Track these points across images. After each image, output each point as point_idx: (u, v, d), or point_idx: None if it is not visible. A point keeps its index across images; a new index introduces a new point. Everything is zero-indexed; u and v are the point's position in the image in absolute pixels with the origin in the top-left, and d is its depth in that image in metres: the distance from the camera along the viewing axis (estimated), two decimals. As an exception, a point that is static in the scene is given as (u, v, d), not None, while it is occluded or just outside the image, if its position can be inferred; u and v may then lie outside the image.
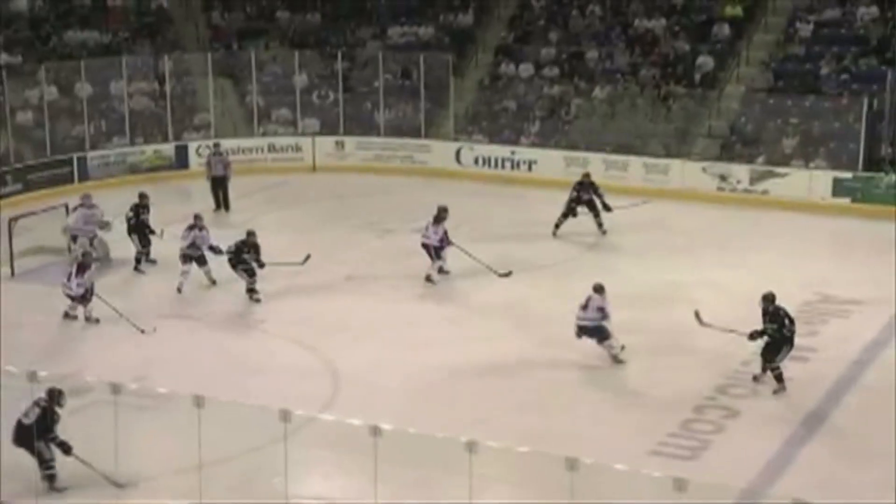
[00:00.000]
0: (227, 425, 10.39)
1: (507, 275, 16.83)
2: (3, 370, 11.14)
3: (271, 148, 24.08)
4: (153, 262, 17.35)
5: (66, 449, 10.66)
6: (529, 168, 23.05)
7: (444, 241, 16.82)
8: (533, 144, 23.51)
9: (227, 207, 20.69)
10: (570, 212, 18.91)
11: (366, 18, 26.57)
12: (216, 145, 21.71)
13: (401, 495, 10.02)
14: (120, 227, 17.66)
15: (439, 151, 23.75)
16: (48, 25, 24.71)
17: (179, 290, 16.20)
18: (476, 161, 23.49)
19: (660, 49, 24.16)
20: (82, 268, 15.08)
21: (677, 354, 13.96)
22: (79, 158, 22.37)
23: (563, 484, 8.52)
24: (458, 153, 23.65)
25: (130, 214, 17.53)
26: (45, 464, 10.65)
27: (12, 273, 16.86)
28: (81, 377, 12.24)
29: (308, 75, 25.01)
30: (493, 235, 18.82)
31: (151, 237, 17.38)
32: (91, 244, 17.14)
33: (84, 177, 22.30)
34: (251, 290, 15.96)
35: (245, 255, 15.98)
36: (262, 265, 15.97)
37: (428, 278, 16.65)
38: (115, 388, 10.19)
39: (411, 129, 24.29)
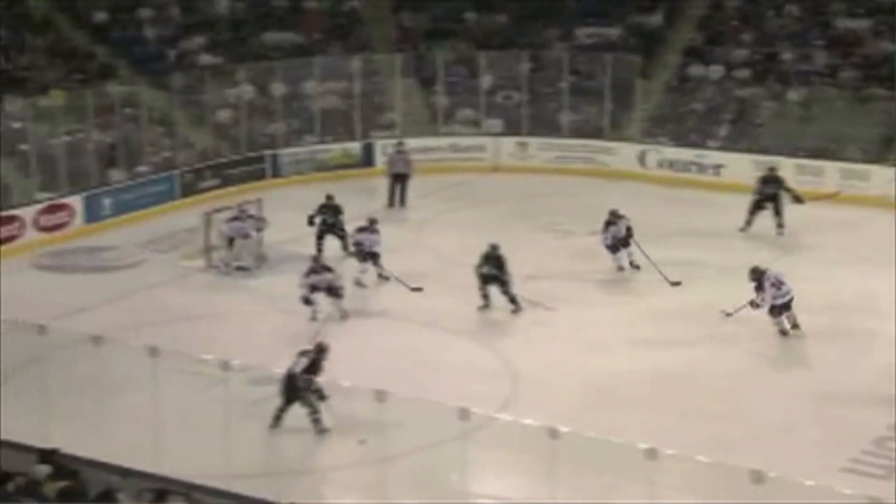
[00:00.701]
0: (407, 421, 10.52)
1: (678, 284, 16.45)
2: (197, 359, 11.64)
3: (454, 148, 24.28)
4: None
5: (321, 396, 11.71)
6: (717, 172, 22.44)
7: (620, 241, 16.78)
8: (721, 148, 22.89)
9: (402, 203, 21.02)
10: (756, 208, 18.49)
11: (553, 19, 26.47)
12: (399, 143, 22.08)
13: (578, 499, 9.91)
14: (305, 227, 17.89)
15: (623, 153, 23.42)
16: (247, 27, 25.69)
17: (360, 284, 16.55)
18: (660, 164, 23.05)
19: (862, 50, 23.16)
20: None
21: (872, 367, 13.31)
22: (272, 155, 23.16)
23: (748, 497, 8.23)
24: (642, 155, 23.26)
25: (319, 219, 17.80)
26: (312, 409, 11.71)
27: (208, 264, 17.59)
28: (268, 368, 12.63)
29: (493, 76, 25.13)
30: (674, 239, 18.43)
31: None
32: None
33: (276, 173, 23.06)
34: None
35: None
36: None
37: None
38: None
39: (595, 131, 24.06)
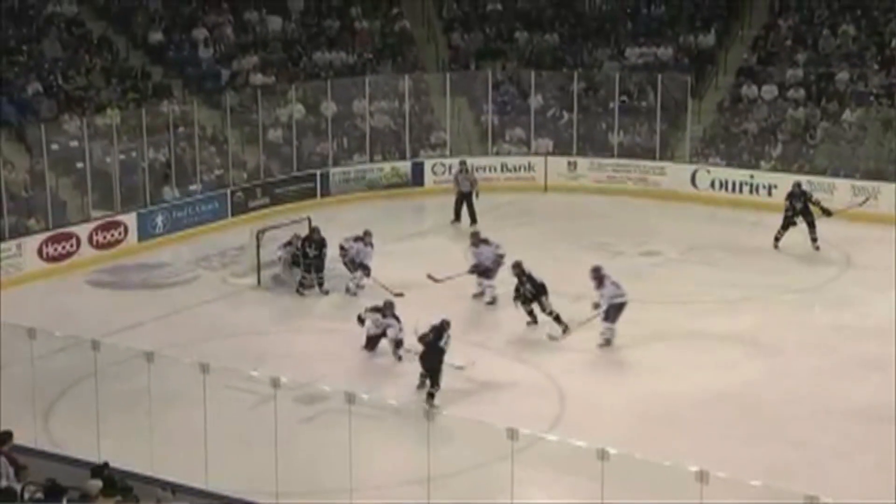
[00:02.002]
0: (455, 440, 10.49)
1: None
2: (247, 375, 11.71)
3: (504, 167, 24.29)
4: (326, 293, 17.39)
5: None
6: (769, 193, 22.18)
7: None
8: (774, 169, 22.67)
9: (473, 220, 20.98)
10: (788, 223, 18.40)
11: (604, 39, 26.45)
12: (462, 163, 22.12)
13: (627, 522, 9.82)
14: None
15: (674, 174, 23.27)
16: (299, 47, 25.93)
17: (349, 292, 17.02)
18: (712, 184, 22.85)
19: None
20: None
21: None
22: (322, 174, 23.32)
23: (802, 523, 8.11)
24: (693, 176, 23.09)
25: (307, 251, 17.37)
26: (434, 379, 12.93)
27: (258, 282, 17.73)
28: (318, 385, 12.67)
29: (543, 95, 25.13)
30: (725, 260, 18.27)
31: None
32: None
33: (326, 192, 23.22)
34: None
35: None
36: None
37: None
38: (350, 398, 10.46)
39: (645, 151, 23.95)
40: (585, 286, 17.03)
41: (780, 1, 25.94)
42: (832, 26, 24.65)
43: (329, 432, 11.65)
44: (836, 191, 20.75)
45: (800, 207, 18.72)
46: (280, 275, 17.75)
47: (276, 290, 17.54)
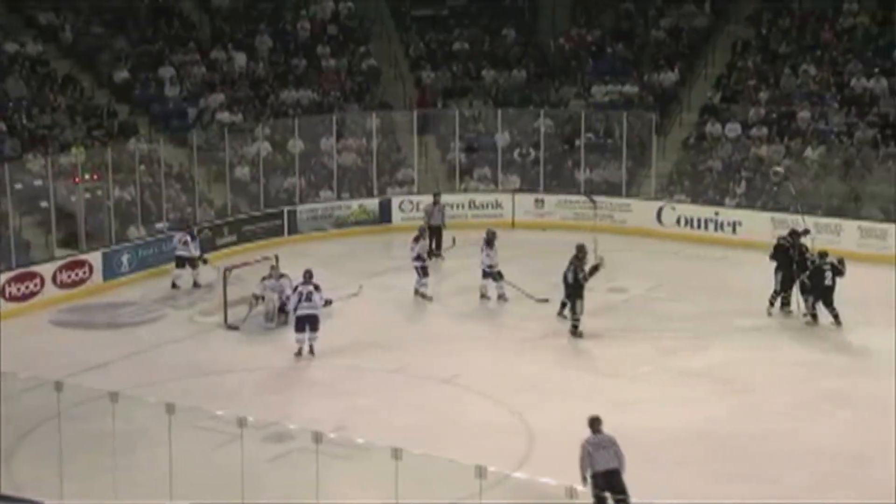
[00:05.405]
0: (423, 478, 10.42)
1: (545, 301, 17.63)
2: (213, 415, 11.60)
3: (472, 204, 24.38)
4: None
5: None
6: (734, 230, 22.41)
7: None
8: (738, 205, 22.90)
9: (438, 254, 21.12)
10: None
11: (571, 77, 26.70)
12: (436, 196, 22.18)
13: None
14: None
15: (640, 210, 23.44)
16: (266, 85, 25.97)
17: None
18: (678, 221, 23.04)
19: (878, 109, 23.26)
20: None
21: (890, 430, 13.12)
22: (289, 212, 23.28)
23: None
24: (659, 213, 23.27)
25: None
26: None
27: (225, 321, 17.61)
28: (285, 424, 12.55)
29: (510, 133, 25.29)
30: (691, 296, 18.37)
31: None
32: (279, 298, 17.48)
33: (293, 230, 23.16)
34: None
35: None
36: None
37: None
38: (317, 437, 10.39)
39: (612, 188, 24.12)
40: (551, 323, 17.21)
41: (742, 41, 26.33)
42: (793, 66, 25.03)
43: (296, 472, 11.55)
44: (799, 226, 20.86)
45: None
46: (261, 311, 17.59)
47: (244, 327, 17.42)
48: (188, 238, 19.75)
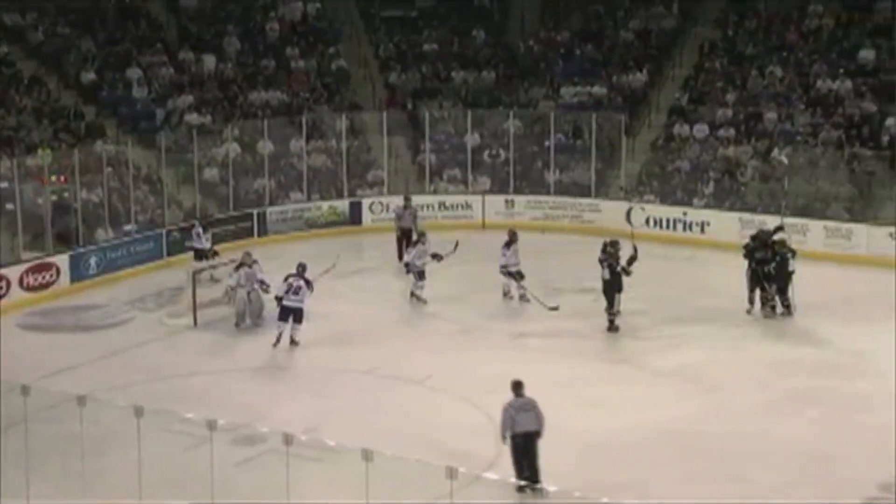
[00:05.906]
0: (394, 480, 10.42)
1: (556, 308, 17.51)
2: (183, 418, 11.54)
3: (442, 206, 24.39)
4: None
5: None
6: (702, 230, 22.56)
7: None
8: (706, 206, 23.05)
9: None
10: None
11: (540, 78, 26.78)
12: (407, 199, 22.13)
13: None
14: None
15: (609, 211, 23.49)
16: (235, 86, 25.85)
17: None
18: (647, 221, 23.10)
19: (843, 110, 23.50)
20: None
21: (865, 426, 13.28)
22: (259, 213, 23.19)
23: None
24: (628, 213, 23.31)
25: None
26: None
27: (195, 323, 17.51)
28: (255, 427, 12.51)
29: (480, 134, 25.31)
30: (661, 297, 18.46)
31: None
32: (248, 298, 17.45)
33: (263, 231, 23.08)
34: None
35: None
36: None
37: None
38: (287, 439, 10.36)
39: (581, 189, 24.21)
40: (523, 324, 17.26)
41: (709, 42, 26.52)
42: (760, 67, 25.23)
43: (267, 474, 11.51)
44: (766, 226, 21.01)
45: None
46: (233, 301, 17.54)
47: (213, 329, 17.34)
48: (200, 230, 20.07)
